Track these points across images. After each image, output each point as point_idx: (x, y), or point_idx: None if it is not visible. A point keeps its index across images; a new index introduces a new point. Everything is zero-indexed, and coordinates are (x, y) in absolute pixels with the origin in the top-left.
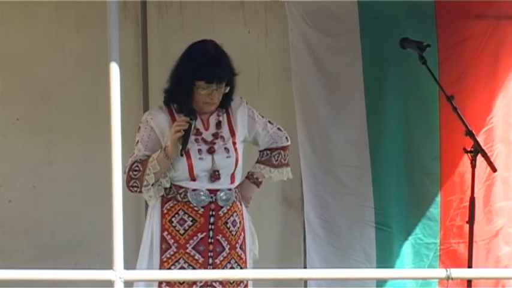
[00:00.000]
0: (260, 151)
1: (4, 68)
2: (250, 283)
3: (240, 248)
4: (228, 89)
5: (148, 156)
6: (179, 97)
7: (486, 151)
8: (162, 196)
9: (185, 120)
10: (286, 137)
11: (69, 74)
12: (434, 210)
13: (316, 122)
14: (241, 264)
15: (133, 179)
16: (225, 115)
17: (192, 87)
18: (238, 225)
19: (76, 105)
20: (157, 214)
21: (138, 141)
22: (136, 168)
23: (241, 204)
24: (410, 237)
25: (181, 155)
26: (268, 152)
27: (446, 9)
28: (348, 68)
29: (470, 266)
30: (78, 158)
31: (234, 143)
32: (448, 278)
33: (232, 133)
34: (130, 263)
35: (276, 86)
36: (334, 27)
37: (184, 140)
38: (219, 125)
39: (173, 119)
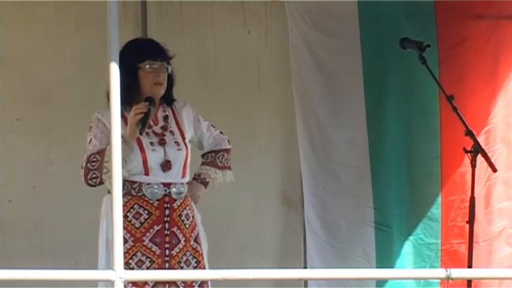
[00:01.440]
0: (204, 154)
1: (4, 68)
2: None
3: (195, 241)
4: (170, 69)
5: (104, 149)
6: (127, 89)
7: (486, 151)
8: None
9: (144, 104)
10: (228, 141)
11: (69, 74)
12: (435, 210)
13: (316, 122)
14: (198, 257)
15: (92, 170)
16: (170, 111)
17: (136, 73)
18: (191, 219)
19: (76, 105)
20: (110, 211)
21: (91, 139)
22: (94, 159)
23: (191, 201)
24: (411, 238)
25: (141, 134)
26: (213, 154)
27: (446, 9)
28: (348, 68)
29: (470, 266)
30: (78, 158)
31: (184, 138)
32: (448, 278)
33: (180, 129)
34: None
35: (276, 86)
36: (334, 27)
37: (143, 122)
38: (166, 119)
39: (123, 117)
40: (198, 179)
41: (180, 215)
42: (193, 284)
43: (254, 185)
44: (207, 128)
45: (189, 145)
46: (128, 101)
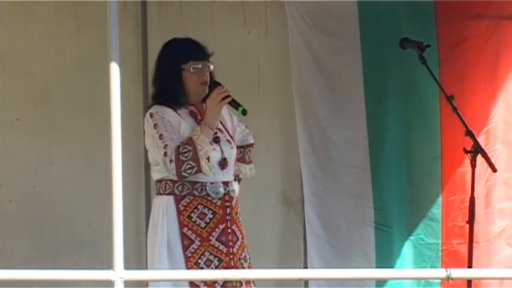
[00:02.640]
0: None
1: (4, 68)
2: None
3: (246, 238)
4: (212, 67)
5: (192, 139)
6: (173, 89)
7: (487, 151)
8: (175, 195)
9: (224, 88)
10: (252, 135)
11: (69, 74)
12: (436, 210)
13: (316, 122)
14: (249, 254)
15: (187, 161)
16: None
17: (181, 75)
18: (241, 216)
19: (76, 105)
20: (172, 212)
21: (161, 134)
22: (185, 150)
23: None
24: (411, 238)
25: (245, 114)
26: (242, 149)
27: (446, 9)
28: (348, 68)
29: (470, 266)
30: (78, 158)
31: (231, 136)
32: (448, 278)
33: (225, 127)
34: (130, 263)
35: (276, 86)
36: (334, 27)
37: (234, 101)
38: None
39: (178, 114)
40: (235, 177)
41: (236, 213)
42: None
43: (254, 185)
44: (237, 123)
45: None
46: (174, 102)
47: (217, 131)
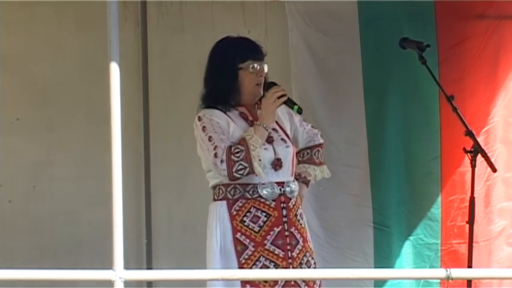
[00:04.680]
0: (298, 151)
1: (4, 68)
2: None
3: (310, 242)
4: (266, 68)
5: (245, 139)
6: (227, 89)
7: (486, 151)
8: (227, 199)
9: (279, 87)
10: (321, 135)
11: (69, 74)
12: (435, 210)
13: (316, 122)
14: (314, 258)
15: (238, 161)
16: None
17: (237, 74)
18: (304, 218)
19: (76, 105)
20: (225, 218)
21: (210, 136)
22: (237, 150)
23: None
24: (411, 238)
25: (300, 113)
26: (308, 150)
27: (446, 9)
28: (348, 68)
29: (470, 266)
30: (78, 158)
31: (287, 135)
32: (448, 278)
33: (281, 127)
34: (130, 263)
35: None
36: (334, 27)
37: (289, 101)
38: None
39: (227, 116)
40: (300, 179)
41: (296, 215)
42: (314, 284)
43: None
44: (300, 122)
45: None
46: (229, 102)
47: (272, 130)
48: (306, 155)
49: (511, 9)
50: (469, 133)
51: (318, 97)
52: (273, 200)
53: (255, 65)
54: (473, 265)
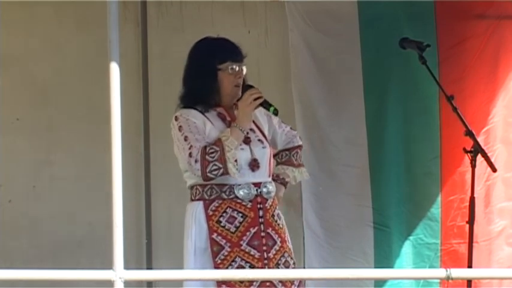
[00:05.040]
0: (277, 153)
1: (4, 68)
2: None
3: (288, 241)
4: (245, 70)
5: (220, 140)
6: (205, 90)
7: (486, 151)
8: (204, 199)
9: (256, 90)
10: (300, 136)
11: (69, 74)
12: (435, 210)
13: (316, 122)
14: (294, 258)
15: (212, 162)
16: None
17: (216, 75)
18: (282, 218)
19: (76, 105)
20: (201, 218)
21: (186, 136)
22: (212, 150)
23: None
24: (411, 238)
25: (276, 114)
26: (287, 152)
27: (446, 9)
28: (348, 68)
29: (470, 266)
30: (78, 158)
31: (265, 136)
32: (448, 278)
33: (258, 127)
34: (130, 263)
35: (276, 86)
36: (334, 27)
37: (265, 103)
38: None
39: (205, 116)
40: (278, 180)
41: (273, 215)
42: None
43: None
44: (279, 124)
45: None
46: (207, 102)
47: (249, 131)
48: (284, 156)
49: (511, 9)
50: (469, 133)
51: (318, 97)
52: (250, 201)
53: (234, 66)
54: (473, 265)
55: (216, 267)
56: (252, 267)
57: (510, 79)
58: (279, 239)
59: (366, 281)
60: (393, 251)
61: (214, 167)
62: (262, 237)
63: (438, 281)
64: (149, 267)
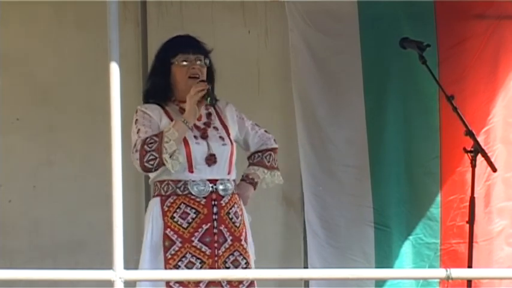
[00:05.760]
0: (250, 155)
1: (4, 68)
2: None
3: (245, 240)
4: (208, 62)
5: (162, 132)
6: (161, 85)
7: (486, 151)
8: (161, 195)
9: (203, 83)
10: (274, 140)
11: (69, 74)
12: (435, 210)
13: (316, 122)
14: (247, 258)
15: (149, 152)
16: (213, 110)
17: (170, 69)
18: (240, 217)
19: (76, 105)
20: (157, 214)
21: (139, 129)
22: (151, 141)
23: (240, 200)
24: (410, 237)
25: (212, 105)
26: (259, 154)
27: (446, 9)
28: (348, 68)
29: (470, 266)
30: (78, 158)
31: (229, 134)
32: (448, 278)
33: (224, 126)
34: (130, 263)
35: (276, 86)
36: (334, 27)
37: (210, 95)
38: (209, 116)
39: (164, 111)
40: (247, 180)
41: (228, 213)
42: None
43: None
44: (252, 126)
45: (234, 142)
46: (164, 97)
47: (209, 129)
48: (256, 157)
49: (511, 9)
50: (469, 133)
51: (318, 97)
52: (204, 197)
53: (184, 58)
54: (472, 265)
55: (166, 262)
56: (202, 263)
57: (510, 79)
58: (230, 237)
59: (367, 280)
60: (393, 251)
61: (151, 157)
62: (215, 234)
63: (438, 280)
64: None
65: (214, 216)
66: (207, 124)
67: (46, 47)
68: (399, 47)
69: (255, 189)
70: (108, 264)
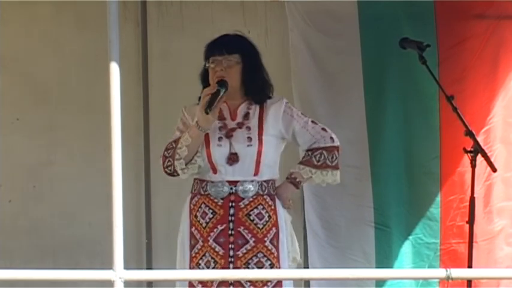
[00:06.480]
0: (303, 152)
1: (4, 68)
2: (285, 282)
3: (271, 242)
4: (239, 58)
5: (180, 137)
6: (204, 86)
7: (486, 151)
8: (191, 193)
9: (213, 86)
10: (331, 137)
11: (69, 74)
12: (435, 210)
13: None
14: (272, 260)
15: (168, 158)
16: (257, 108)
17: (207, 72)
18: (266, 218)
19: (76, 105)
20: (186, 211)
21: (174, 131)
22: (170, 147)
23: (273, 200)
24: (410, 237)
25: (207, 113)
26: (309, 152)
27: (446, 9)
28: (348, 68)
29: (470, 266)
30: (78, 158)
31: (260, 134)
32: (448, 278)
33: (261, 125)
34: (130, 263)
35: (276, 86)
36: (334, 27)
37: (210, 102)
38: (246, 116)
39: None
40: (289, 178)
41: (248, 214)
42: (266, 284)
43: None
44: (303, 124)
45: (268, 142)
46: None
47: (240, 129)
48: (306, 156)
49: (511, 9)
50: (469, 133)
51: (318, 97)
52: (222, 199)
53: (211, 62)
54: (472, 265)
55: (191, 260)
56: (216, 263)
57: (510, 79)
58: (253, 239)
59: (367, 280)
60: (393, 251)
61: (169, 163)
62: (230, 235)
63: (437, 280)
64: (149, 267)
65: (230, 218)
66: (240, 124)
67: (46, 47)
68: (399, 47)
69: (298, 188)
70: (108, 264)
